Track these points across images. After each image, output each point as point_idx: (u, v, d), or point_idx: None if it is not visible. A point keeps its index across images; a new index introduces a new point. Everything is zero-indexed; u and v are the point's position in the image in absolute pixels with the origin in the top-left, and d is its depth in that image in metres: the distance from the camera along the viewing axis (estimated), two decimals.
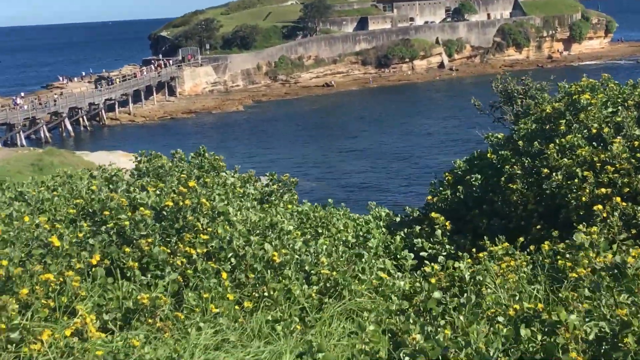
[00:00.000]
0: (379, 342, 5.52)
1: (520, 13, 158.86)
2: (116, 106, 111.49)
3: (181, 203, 7.50)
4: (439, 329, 5.42)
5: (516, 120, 14.95)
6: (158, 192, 8.16)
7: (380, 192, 62.18)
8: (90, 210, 8.29)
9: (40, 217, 7.23)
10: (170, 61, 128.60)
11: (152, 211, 7.42)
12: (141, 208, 7.41)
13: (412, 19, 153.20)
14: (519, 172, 11.13)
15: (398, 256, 9.39)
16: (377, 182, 68.15)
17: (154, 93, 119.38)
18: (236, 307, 6.65)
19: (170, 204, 7.51)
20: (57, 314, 5.80)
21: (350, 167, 75.09)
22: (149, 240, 7.04)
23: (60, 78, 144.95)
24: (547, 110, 12.44)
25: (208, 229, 7.36)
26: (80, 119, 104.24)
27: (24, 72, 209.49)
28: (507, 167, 11.58)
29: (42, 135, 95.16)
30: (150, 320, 6.02)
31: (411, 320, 5.53)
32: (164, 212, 7.50)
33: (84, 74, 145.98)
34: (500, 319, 5.94)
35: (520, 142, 12.12)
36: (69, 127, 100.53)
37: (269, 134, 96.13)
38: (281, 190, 11.19)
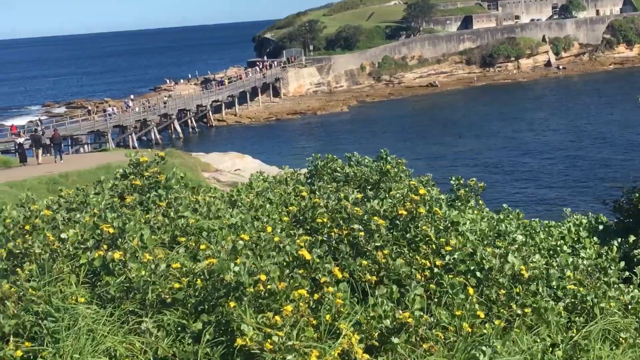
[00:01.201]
0: None
1: (631, 9, 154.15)
2: (223, 108, 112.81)
3: (415, 212, 7.05)
4: None
5: None
6: (375, 200, 7.72)
7: (507, 194, 60.22)
8: (300, 217, 7.93)
9: (268, 227, 6.85)
10: (275, 62, 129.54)
11: (386, 220, 6.98)
12: (375, 217, 6.98)
13: (517, 17, 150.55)
14: None
15: (611, 268, 8.71)
16: (498, 183, 66.18)
17: (259, 94, 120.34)
18: (487, 325, 6.16)
19: (404, 212, 7.06)
20: (320, 333, 5.41)
21: (464, 168, 73.79)
22: (385, 252, 6.62)
23: (167, 80, 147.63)
24: None
25: (441, 240, 6.89)
26: (189, 121, 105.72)
27: (133, 75, 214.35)
28: None
29: (153, 136, 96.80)
30: (413, 340, 5.57)
31: None
32: (397, 222, 7.06)
33: (190, 76, 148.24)
34: None
35: None
36: (178, 129, 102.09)
37: (376, 134, 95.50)
38: (468, 195, 10.67)
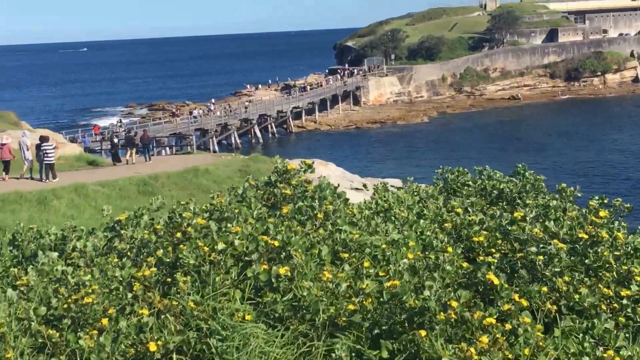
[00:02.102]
0: None
1: None
2: (303, 114, 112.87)
3: (596, 236, 6.46)
4: None
5: None
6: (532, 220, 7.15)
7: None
8: (454, 235, 7.39)
9: (449, 248, 6.30)
10: (355, 70, 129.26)
11: (567, 245, 6.39)
12: (555, 240, 6.40)
13: (605, 31, 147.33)
14: None
15: None
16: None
17: (340, 102, 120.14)
18: None
19: (585, 236, 6.47)
20: None
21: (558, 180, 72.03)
22: (566, 278, 6.02)
23: (247, 86, 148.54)
24: None
25: (623, 267, 6.26)
26: (269, 126, 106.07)
27: (214, 79, 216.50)
28: None
29: (233, 141, 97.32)
30: None
31: None
32: (577, 246, 6.46)
33: (270, 82, 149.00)
34: None
35: None
36: (258, 134, 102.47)
37: (456, 147, 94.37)
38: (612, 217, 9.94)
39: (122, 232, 7.57)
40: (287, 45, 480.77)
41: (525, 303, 5.47)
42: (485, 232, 7.41)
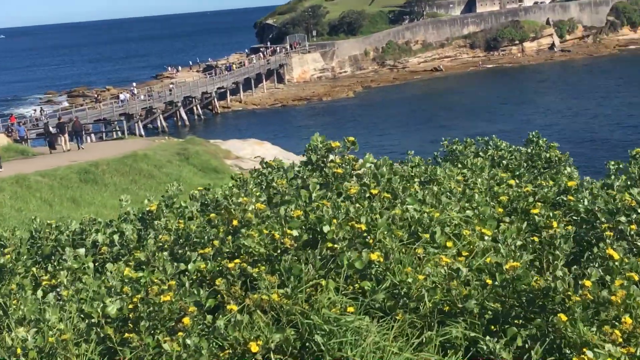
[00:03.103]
0: None
1: None
2: (227, 94, 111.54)
3: None
4: None
5: None
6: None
7: None
8: (510, 208, 6.98)
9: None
10: (278, 48, 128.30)
11: None
12: None
13: (520, 0, 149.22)
14: None
15: None
16: None
17: (264, 80, 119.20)
18: None
19: None
20: None
21: None
22: None
23: (169, 68, 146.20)
24: None
25: None
26: (194, 108, 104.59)
27: (132, 63, 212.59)
28: None
29: (159, 124, 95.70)
30: None
31: None
32: None
33: (191, 63, 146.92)
34: None
35: None
36: (184, 116, 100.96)
37: (384, 120, 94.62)
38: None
39: (156, 222, 6.96)
40: (205, 26, 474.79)
41: (636, 277, 5.11)
42: (540, 204, 7.04)
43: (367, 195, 6.38)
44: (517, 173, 9.36)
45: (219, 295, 5.39)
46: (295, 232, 5.57)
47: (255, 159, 55.37)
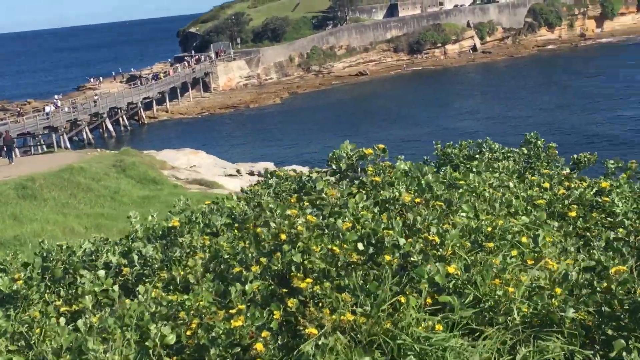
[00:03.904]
0: None
1: None
2: (153, 104, 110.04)
3: None
4: None
5: None
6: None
7: None
8: (548, 211, 6.74)
9: None
10: (202, 57, 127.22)
11: None
12: None
13: (441, 3, 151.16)
14: None
15: None
16: None
17: (189, 89, 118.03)
18: None
19: None
20: None
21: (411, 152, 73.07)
22: None
23: (91, 79, 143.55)
24: None
25: None
26: (120, 119, 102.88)
27: (53, 75, 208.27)
28: None
29: (85, 136, 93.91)
30: None
31: None
32: None
33: (114, 74, 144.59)
34: None
35: None
36: (110, 127, 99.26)
37: (312, 125, 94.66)
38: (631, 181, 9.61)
39: (181, 240, 6.51)
40: (127, 36, 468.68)
41: None
42: (575, 207, 6.83)
43: (418, 203, 6.04)
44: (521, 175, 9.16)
45: (278, 317, 5.00)
46: (361, 246, 5.22)
47: (192, 169, 54.68)
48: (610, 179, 9.39)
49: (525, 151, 10.04)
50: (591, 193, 7.02)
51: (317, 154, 74.65)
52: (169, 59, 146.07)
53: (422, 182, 6.32)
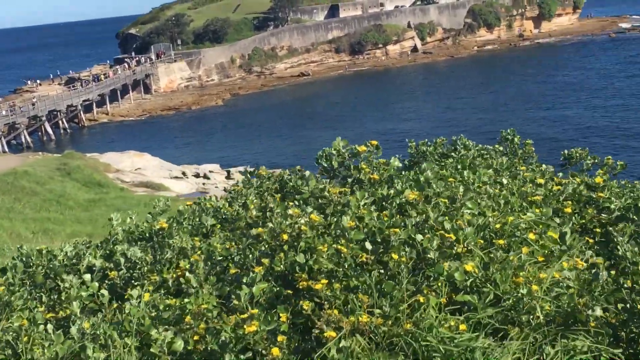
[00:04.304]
0: None
1: None
2: (94, 106, 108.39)
3: None
4: None
5: None
6: None
7: None
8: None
9: None
10: (142, 58, 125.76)
11: None
12: None
13: (382, 4, 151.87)
14: None
15: None
16: None
17: (130, 91, 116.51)
18: None
19: None
20: None
21: None
22: None
23: (29, 82, 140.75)
24: None
25: None
26: (60, 122, 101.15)
27: None
28: None
29: (23, 140, 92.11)
30: None
31: None
32: None
33: (52, 76, 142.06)
34: None
35: None
36: (50, 130, 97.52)
37: (255, 126, 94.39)
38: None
39: (171, 241, 6.24)
40: (62, 38, 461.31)
41: None
42: (569, 203, 6.74)
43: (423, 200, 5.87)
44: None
45: (286, 320, 4.78)
46: (369, 245, 5.03)
47: (136, 171, 53.94)
48: (586, 174, 9.36)
49: (501, 149, 9.94)
50: (585, 189, 6.94)
51: (262, 155, 74.36)
52: (108, 61, 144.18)
53: (421, 178, 6.16)
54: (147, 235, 6.83)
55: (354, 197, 5.85)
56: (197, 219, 6.85)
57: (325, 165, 7.07)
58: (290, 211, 5.60)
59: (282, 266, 5.30)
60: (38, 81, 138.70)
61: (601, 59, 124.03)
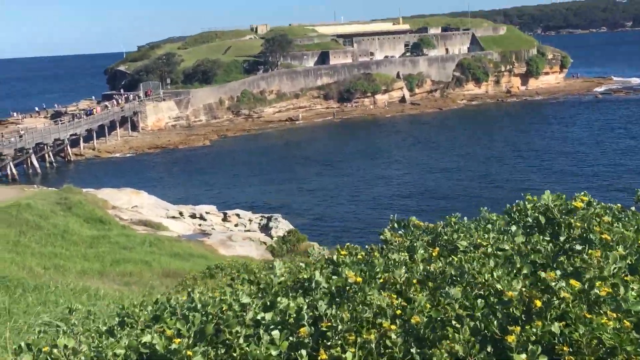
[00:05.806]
0: None
1: (478, 48, 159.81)
2: (80, 141, 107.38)
3: None
4: None
5: None
6: None
7: (363, 228, 60.06)
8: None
9: None
10: (131, 96, 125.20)
11: None
12: None
13: (372, 54, 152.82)
14: None
15: None
16: (352, 217, 66.34)
17: (117, 128, 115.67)
18: None
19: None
20: None
21: (326, 204, 72.80)
22: None
23: (14, 114, 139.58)
24: None
25: None
26: (46, 155, 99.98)
27: None
28: None
29: (9, 171, 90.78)
30: None
31: None
32: None
33: (37, 109, 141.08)
34: None
35: None
36: (36, 164, 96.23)
37: (244, 168, 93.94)
38: None
39: (368, 298, 5.45)
40: (48, 70, 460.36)
41: None
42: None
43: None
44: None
45: None
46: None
47: (133, 209, 52.90)
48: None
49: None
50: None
51: (257, 198, 73.67)
52: (94, 97, 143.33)
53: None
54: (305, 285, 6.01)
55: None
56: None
57: (520, 218, 6.34)
58: (544, 275, 4.85)
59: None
60: (16, 113, 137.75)
61: (597, 116, 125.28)
